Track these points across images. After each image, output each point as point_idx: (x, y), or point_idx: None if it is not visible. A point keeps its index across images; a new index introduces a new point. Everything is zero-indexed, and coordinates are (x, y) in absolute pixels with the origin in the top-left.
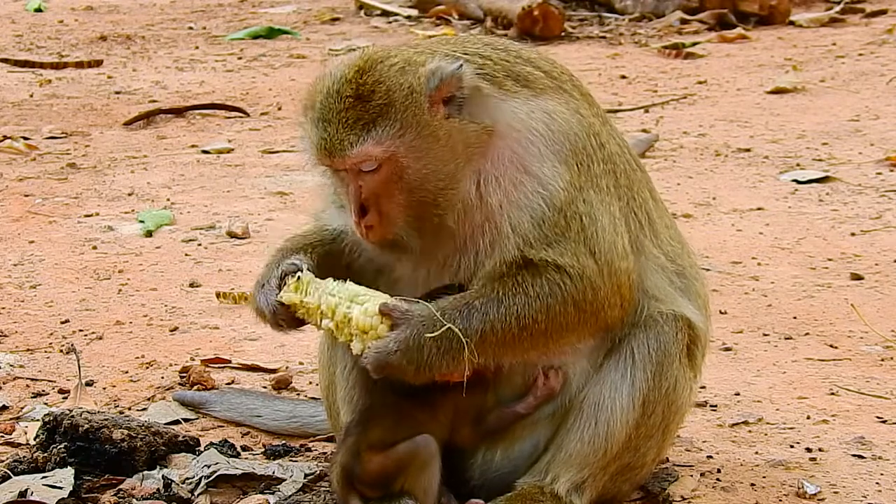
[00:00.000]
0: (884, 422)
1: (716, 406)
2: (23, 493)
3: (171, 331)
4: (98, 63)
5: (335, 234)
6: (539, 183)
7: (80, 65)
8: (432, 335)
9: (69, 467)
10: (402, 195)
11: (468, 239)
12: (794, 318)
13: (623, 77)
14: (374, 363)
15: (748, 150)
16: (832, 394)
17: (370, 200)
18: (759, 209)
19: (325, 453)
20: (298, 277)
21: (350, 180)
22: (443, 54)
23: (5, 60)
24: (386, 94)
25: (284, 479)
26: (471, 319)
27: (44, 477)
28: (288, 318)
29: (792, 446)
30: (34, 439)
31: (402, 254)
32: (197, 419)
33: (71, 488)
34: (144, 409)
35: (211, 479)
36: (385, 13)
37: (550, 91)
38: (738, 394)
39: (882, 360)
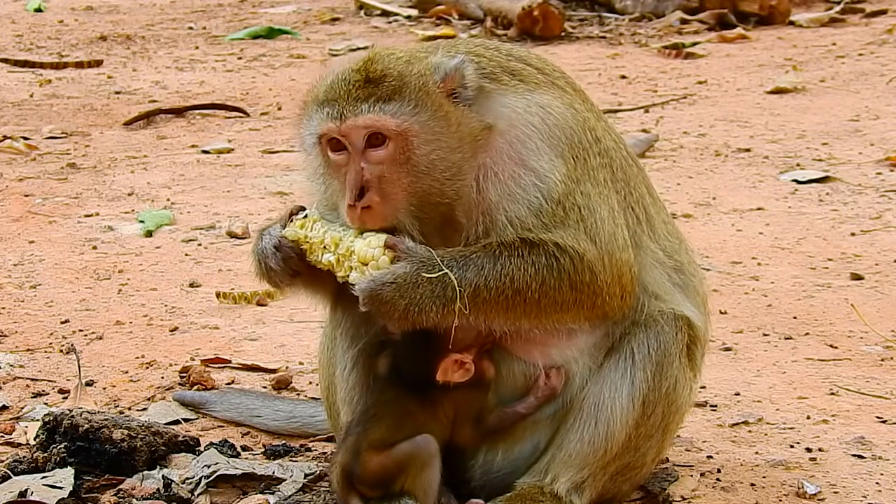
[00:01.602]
0: (884, 422)
1: (716, 406)
2: (23, 493)
3: (171, 331)
4: (98, 63)
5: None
6: (537, 176)
7: (80, 65)
8: (429, 276)
9: (69, 467)
10: (407, 179)
11: (467, 237)
12: (794, 318)
13: (623, 77)
14: (366, 291)
15: (748, 150)
16: (832, 394)
17: (372, 182)
18: (759, 209)
19: (325, 453)
20: (305, 215)
21: (352, 160)
22: (442, 53)
23: (5, 60)
24: (398, 77)
25: (284, 479)
26: (466, 270)
27: (44, 477)
28: (295, 249)
29: (792, 446)
30: (34, 439)
31: None
32: (197, 419)
33: (71, 488)
34: (144, 409)
35: (211, 479)
36: (385, 13)
37: (545, 86)
38: (738, 394)
39: (882, 360)
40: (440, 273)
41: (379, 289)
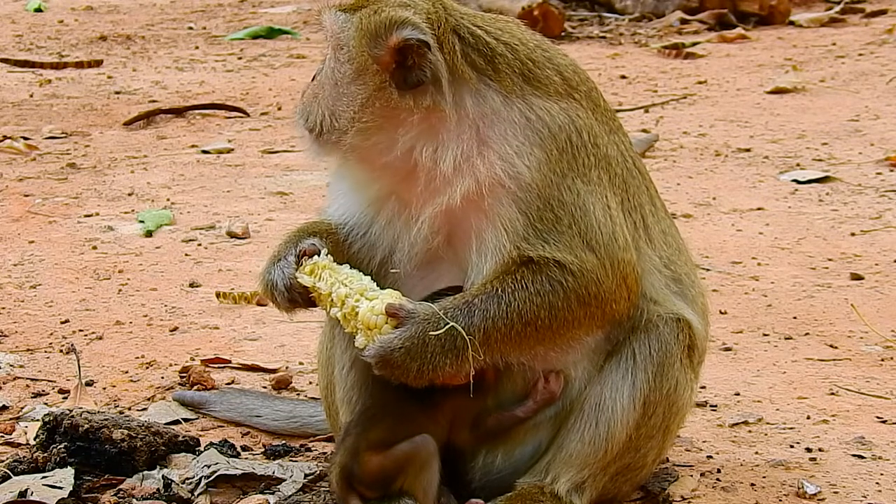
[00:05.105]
0: (884, 422)
1: (716, 406)
2: (23, 493)
3: (171, 331)
4: (98, 63)
5: (337, 228)
6: (500, 157)
7: (80, 65)
8: (436, 333)
9: (69, 467)
10: (325, 82)
11: (424, 199)
12: (794, 318)
13: (623, 77)
14: (377, 358)
15: (748, 150)
16: (832, 394)
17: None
18: (759, 209)
19: (325, 453)
20: (315, 261)
21: None
22: (427, 16)
23: (5, 60)
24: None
25: (284, 479)
26: (472, 317)
27: (44, 477)
28: (303, 295)
29: (792, 446)
30: (34, 439)
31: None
32: (197, 419)
33: (71, 488)
34: (144, 409)
35: (211, 479)
36: None
37: (553, 95)
38: (738, 394)
39: (882, 360)
40: (447, 327)
41: (389, 355)
